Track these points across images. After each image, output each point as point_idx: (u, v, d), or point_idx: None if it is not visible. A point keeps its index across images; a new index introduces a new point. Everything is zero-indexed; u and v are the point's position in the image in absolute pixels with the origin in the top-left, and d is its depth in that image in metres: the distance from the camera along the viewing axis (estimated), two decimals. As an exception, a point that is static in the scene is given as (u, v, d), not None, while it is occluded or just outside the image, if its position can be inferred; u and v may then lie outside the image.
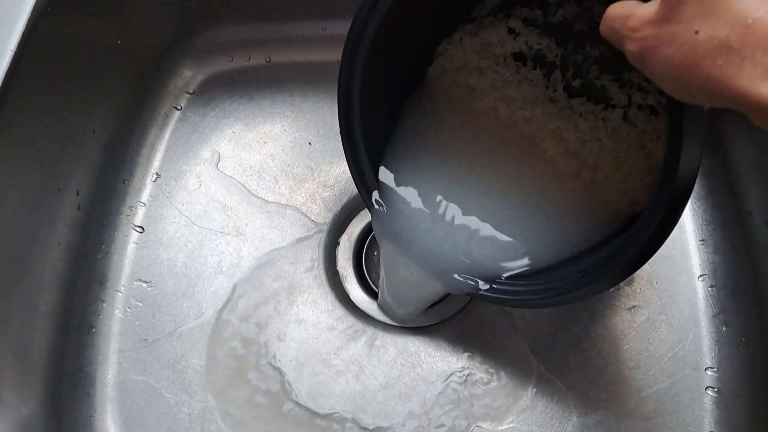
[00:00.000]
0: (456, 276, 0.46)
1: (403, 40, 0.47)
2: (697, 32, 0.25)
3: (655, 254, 0.52)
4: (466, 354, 0.50)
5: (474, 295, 0.46)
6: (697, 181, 0.54)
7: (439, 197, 0.48)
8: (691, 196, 0.54)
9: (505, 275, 0.46)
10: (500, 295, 0.45)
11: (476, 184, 0.48)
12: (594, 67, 0.46)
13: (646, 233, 0.37)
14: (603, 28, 0.31)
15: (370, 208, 0.49)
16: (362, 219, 0.57)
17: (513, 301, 0.45)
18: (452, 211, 0.48)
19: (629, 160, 0.44)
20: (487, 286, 0.46)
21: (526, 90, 0.47)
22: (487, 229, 0.47)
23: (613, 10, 0.30)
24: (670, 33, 0.27)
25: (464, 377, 0.50)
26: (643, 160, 0.44)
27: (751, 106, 0.24)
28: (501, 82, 0.47)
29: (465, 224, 0.47)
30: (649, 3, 0.29)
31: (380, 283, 0.51)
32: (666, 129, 0.41)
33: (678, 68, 0.26)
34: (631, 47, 0.29)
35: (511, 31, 0.48)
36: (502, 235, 0.47)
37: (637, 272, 0.51)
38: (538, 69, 0.47)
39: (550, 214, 0.46)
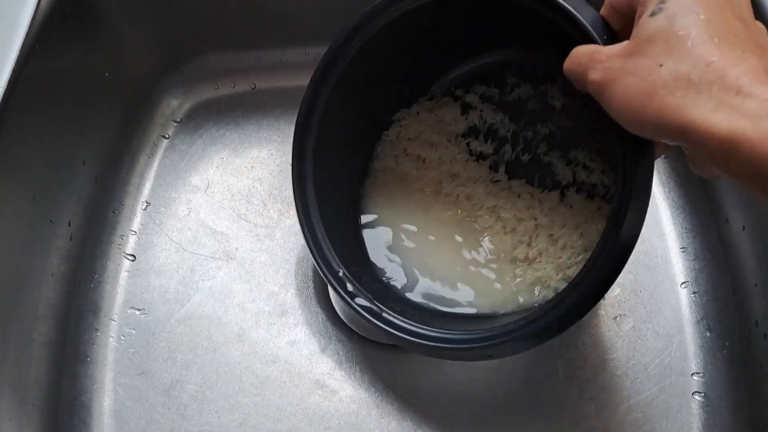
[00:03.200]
0: None
1: (355, 115, 0.49)
2: (661, 65, 0.28)
3: (639, 263, 0.53)
4: (454, 368, 0.51)
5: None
6: (676, 189, 0.57)
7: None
8: (672, 204, 0.56)
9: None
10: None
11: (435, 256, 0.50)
12: (543, 144, 0.48)
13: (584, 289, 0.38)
14: (568, 64, 0.34)
15: None
16: (351, 239, 0.58)
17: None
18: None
19: (564, 237, 0.45)
20: None
21: (471, 169, 0.49)
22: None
23: (580, 48, 0.34)
24: (634, 66, 0.30)
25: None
26: (578, 239, 0.45)
27: (698, 134, 0.27)
28: (449, 157, 0.50)
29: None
30: (616, 45, 0.32)
31: None
32: (600, 213, 0.44)
33: (635, 98, 0.29)
34: (594, 76, 0.32)
35: (467, 105, 0.50)
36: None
37: (621, 282, 0.53)
38: (489, 142, 0.49)
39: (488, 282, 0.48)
